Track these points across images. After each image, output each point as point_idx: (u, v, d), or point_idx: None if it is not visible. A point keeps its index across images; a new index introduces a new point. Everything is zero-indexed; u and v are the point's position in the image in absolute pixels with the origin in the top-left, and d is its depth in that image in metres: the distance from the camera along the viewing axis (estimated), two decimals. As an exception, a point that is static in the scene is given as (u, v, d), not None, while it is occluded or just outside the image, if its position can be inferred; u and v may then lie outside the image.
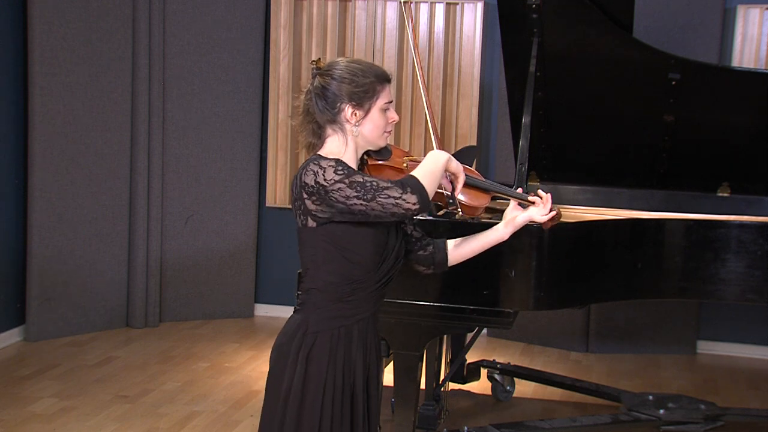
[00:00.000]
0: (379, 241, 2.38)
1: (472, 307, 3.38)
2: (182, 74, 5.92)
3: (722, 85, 4.09)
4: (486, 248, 2.65)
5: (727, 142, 4.20)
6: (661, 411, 4.14)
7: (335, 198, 2.27)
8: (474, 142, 5.81)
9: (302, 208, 2.34)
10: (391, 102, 2.45)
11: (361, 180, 2.28)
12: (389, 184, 2.28)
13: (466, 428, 3.96)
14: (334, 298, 2.39)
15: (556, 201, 4.48)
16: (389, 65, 5.89)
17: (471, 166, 4.41)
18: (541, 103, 4.17)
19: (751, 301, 3.73)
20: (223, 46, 5.97)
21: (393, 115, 2.46)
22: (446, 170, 2.44)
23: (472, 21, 5.82)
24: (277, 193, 6.20)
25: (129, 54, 5.75)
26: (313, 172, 2.29)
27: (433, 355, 4.25)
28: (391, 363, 3.58)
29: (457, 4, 5.84)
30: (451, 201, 2.51)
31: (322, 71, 2.42)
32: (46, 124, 5.43)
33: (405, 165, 2.54)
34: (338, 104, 2.38)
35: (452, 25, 5.87)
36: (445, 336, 4.31)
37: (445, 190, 2.49)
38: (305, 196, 2.31)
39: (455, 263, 2.64)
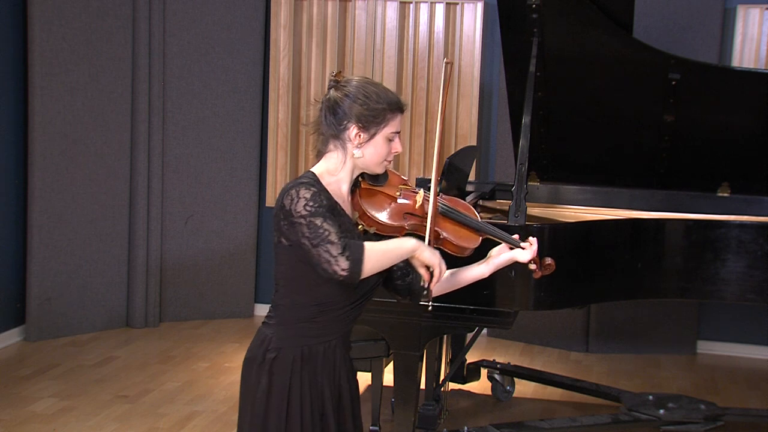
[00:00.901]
0: None
1: (472, 307, 3.38)
2: (182, 74, 5.92)
3: (722, 85, 4.10)
4: (470, 282, 2.55)
5: (727, 142, 4.20)
6: (661, 411, 4.14)
7: (294, 230, 2.26)
8: (474, 142, 5.81)
9: (278, 225, 2.32)
10: (398, 132, 2.42)
11: (319, 224, 2.23)
12: (336, 241, 2.21)
13: (466, 428, 3.96)
14: (300, 317, 2.36)
15: (556, 201, 4.52)
16: (389, 65, 5.89)
17: (471, 166, 4.42)
18: (541, 103, 4.17)
19: (751, 301, 3.74)
20: (223, 46, 5.97)
21: (397, 146, 2.43)
22: (419, 260, 2.34)
23: (472, 21, 5.82)
24: (277, 193, 6.19)
25: (129, 54, 5.75)
26: (291, 198, 2.27)
27: (433, 355, 4.25)
28: (391, 363, 3.59)
29: (457, 4, 5.84)
30: (425, 292, 2.39)
31: (338, 85, 2.39)
32: (46, 124, 5.43)
33: (398, 193, 2.46)
34: (345, 122, 2.36)
35: (452, 25, 5.87)
36: (445, 336, 4.31)
37: (424, 280, 2.37)
38: (282, 217, 2.30)
39: (436, 295, 2.52)
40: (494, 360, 4.87)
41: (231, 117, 6.06)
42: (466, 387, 4.86)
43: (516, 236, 2.56)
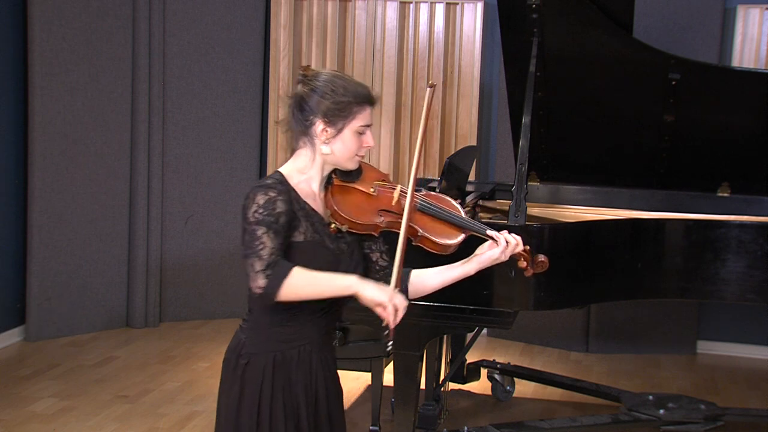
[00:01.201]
0: (321, 268, 2.25)
1: (472, 307, 3.38)
2: (182, 74, 5.92)
3: (722, 85, 4.09)
4: (454, 281, 2.46)
5: (727, 142, 4.20)
6: (661, 411, 4.14)
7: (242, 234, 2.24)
8: (474, 142, 5.80)
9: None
10: (368, 126, 2.32)
11: (258, 235, 2.18)
12: (264, 257, 2.16)
13: (466, 428, 3.96)
14: (272, 321, 2.31)
15: (556, 201, 4.52)
16: (389, 65, 5.89)
17: (471, 166, 4.42)
18: (541, 103, 4.17)
19: (750, 301, 3.74)
20: (223, 46, 5.97)
21: (368, 140, 2.33)
22: (363, 301, 2.23)
23: (472, 21, 5.82)
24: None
25: (129, 54, 5.75)
26: (248, 201, 2.23)
27: (433, 355, 4.25)
28: (391, 363, 3.58)
29: (457, 4, 5.84)
30: (386, 333, 2.25)
31: (305, 80, 2.33)
32: (46, 124, 5.43)
33: (372, 190, 2.37)
34: (311, 117, 2.29)
35: (452, 25, 5.87)
36: (445, 336, 4.31)
37: (385, 320, 2.23)
38: (242, 218, 2.27)
39: (419, 296, 2.47)
40: (494, 360, 4.87)
41: (231, 117, 6.06)
42: (466, 387, 4.86)
43: (504, 232, 2.46)
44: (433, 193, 2.53)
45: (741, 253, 3.63)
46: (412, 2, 5.88)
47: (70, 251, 5.62)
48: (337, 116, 2.28)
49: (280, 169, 2.33)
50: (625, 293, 3.71)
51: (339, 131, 2.30)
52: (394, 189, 2.39)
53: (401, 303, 2.23)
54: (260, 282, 2.17)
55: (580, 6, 3.88)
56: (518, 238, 2.45)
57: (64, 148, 5.52)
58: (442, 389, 4.27)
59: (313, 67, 2.39)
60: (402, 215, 2.31)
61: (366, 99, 2.32)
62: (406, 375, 3.50)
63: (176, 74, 5.91)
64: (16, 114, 5.47)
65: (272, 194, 2.22)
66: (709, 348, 5.84)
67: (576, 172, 4.48)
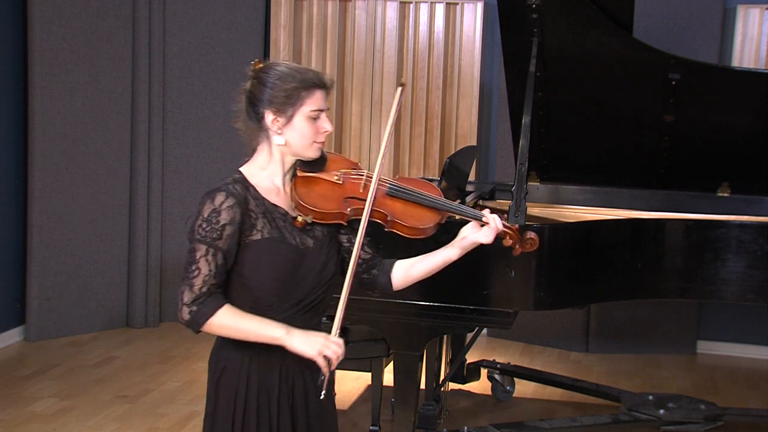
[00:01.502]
0: (282, 265, 2.21)
1: (472, 307, 3.38)
2: (182, 74, 5.92)
3: (722, 85, 4.09)
4: (437, 269, 2.37)
5: (727, 142, 4.20)
6: (661, 411, 4.14)
7: None
8: (474, 142, 5.80)
9: None
10: (321, 110, 2.24)
11: (195, 258, 2.16)
12: (194, 286, 2.15)
13: (466, 428, 3.96)
14: None
15: (556, 201, 4.52)
16: (389, 65, 5.89)
17: (471, 166, 4.42)
18: (541, 103, 4.17)
19: (751, 301, 3.74)
20: (223, 46, 5.97)
21: (324, 125, 2.25)
22: (292, 351, 2.18)
23: (472, 21, 5.82)
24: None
25: (129, 54, 5.75)
26: (200, 206, 2.19)
27: (433, 355, 4.25)
28: (391, 363, 3.58)
29: (457, 4, 5.84)
30: (319, 382, 2.18)
31: (254, 74, 2.27)
32: (46, 124, 5.43)
33: (336, 178, 2.31)
34: (261, 110, 2.23)
35: (452, 25, 5.87)
36: (445, 336, 4.31)
37: (323, 369, 2.17)
38: None
39: (404, 286, 2.40)
40: (494, 360, 4.87)
41: (231, 117, 6.04)
42: (466, 387, 4.86)
43: (486, 210, 2.37)
44: (410, 178, 2.44)
45: (741, 253, 3.63)
46: (412, 2, 5.88)
47: (70, 251, 5.62)
48: (285, 104, 2.22)
49: (241, 168, 2.29)
50: (625, 293, 3.71)
51: (290, 119, 2.23)
52: (361, 176, 2.32)
53: (335, 351, 2.15)
54: (184, 314, 2.18)
55: (580, 6, 3.88)
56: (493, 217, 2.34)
57: (64, 148, 5.52)
58: (442, 389, 4.27)
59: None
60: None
61: (314, 83, 2.24)
62: (406, 375, 3.50)
63: (176, 74, 5.91)
64: (16, 114, 5.47)
65: (218, 202, 2.17)
66: (709, 348, 5.84)
67: (576, 172, 4.48)
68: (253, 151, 2.31)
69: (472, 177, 5.15)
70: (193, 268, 2.16)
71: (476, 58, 5.82)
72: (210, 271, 2.17)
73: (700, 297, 3.79)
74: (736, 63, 5.51)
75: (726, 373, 5.46)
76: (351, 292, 2.22)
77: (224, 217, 2.17)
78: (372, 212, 2.28)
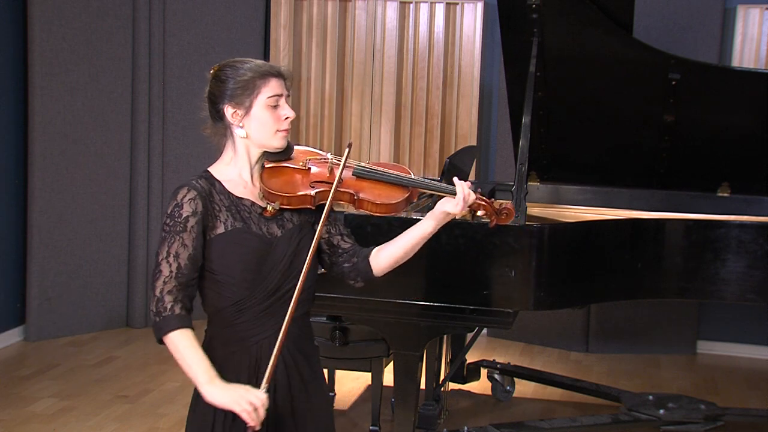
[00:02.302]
0: (248, 256, 2.22)
1: (472, 307, 3.38)
2: (182, 74, 5.92)
3: (722, 85, 4.09)
4: (416, 246, 2.35)
5: (727, 142, 4.20)
6: (661, 411, 4.14)
7: None
8: (474, 142, 5.81)
9: None
10: (280, 96, 2.26)
11: (161, 256, 2.18)
12: (155, 289, 2.16)
13: (466, 428, 3.96)
14: (224, 323, 2.26)
15: (556, 201, 4.52)
16: (389, 65, 5.89)
17: (471, 166, 4.42)
18: (541, 103, 4.17)
19: (751, 301, 3.73)
20: (223, 46, 5.97)
21: (284, 111, 2.27)
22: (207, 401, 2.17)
23: (472, 21, 5.82)
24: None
25: (129, 54, 5.75)
26: (168, 203, 2.24)
27: (433, 355, 4.25)
28: (391, 363, 3.58)
29: (457, 4, 5.84)
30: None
31: (211, 75, 2.30)
32: (46, 124, 5.43)
33: (302, 164, 2.34)
34: (220, 106, 2.26)
35: (452, 25, 5.87)
36: (445, 336, 4.31)
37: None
38: None
39: (386, 269, 2.38)
40: (494, 360, 4.87)
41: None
42: (466, 387, 4.86)
43: (455, 179, 2.35)
44: (382, 162, 2.47)
45: (741, 253, 3.63)
46: (412, 2, 5.88)
47: (70, 251, 5.62)
48: (241, 95, 2.24)
49: (208, 168, 2.33)
50: (625, 293, 3.70)
51: (248, 109, 2.25)
52: (327, 161, 2.36)
53: (256, 402, 2.11)
54: (152, 318, 2.19)
55: (580, 6, 3.88)
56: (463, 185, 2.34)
57: (64, 148, 5.52)
58: (442, 389, 4.27)
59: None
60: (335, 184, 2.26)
61: (267, 71, 2.26)
62: (406, 375, 3.50)
63: (176, 74, 5.91)
64: (16, 114, 5.47)
65: (180, 196, 2.21)
66: (709, 348, 5.84)
67: (576, 172, 4.48)
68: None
69: (472, 177, 5.16)
70: (156, 271, 2.19)
71: (476, 58, 5.82)
72: (171, 272, 2.18)
73: (700, 297, 3.79)
74: (736, 63, 5.51)
75: (726, 373, 5.46)
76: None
77: (186, 210, 2.20)
78: (339, 194, 2.30)
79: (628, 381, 5.15)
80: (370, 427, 4.03)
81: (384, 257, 2.36)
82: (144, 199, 5.88)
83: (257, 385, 2.18)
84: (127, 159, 5.83)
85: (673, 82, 4.05)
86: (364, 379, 4.83)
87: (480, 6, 5.79)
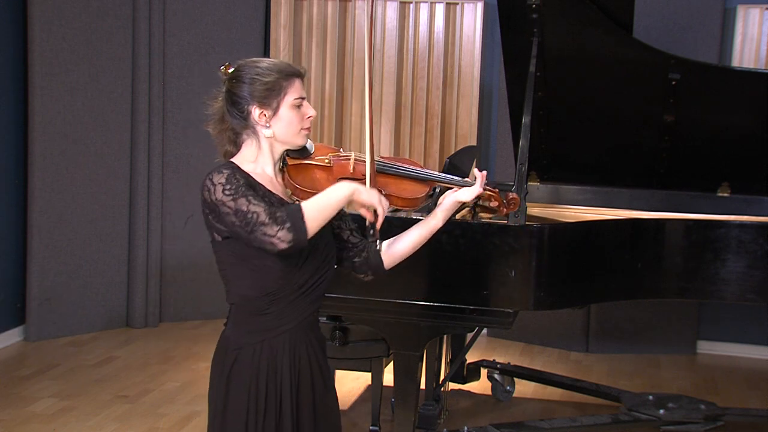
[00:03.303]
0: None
1: (472, 307, 3.38)
2: (182, 74, 5.92)
3: (722, 85, 4.09)
4: (426, 238, 2.48)
5: (727, 142, 4.20)
6: (661, 411, 4.14)
7: (224, 221, 2.23)
8: (474, 142, 5.81)
9: (207, 222, 2.29)
10: (303, 98, 2.34)
11: (245, 209, 2.18)
12: (267, 220, 2.16)
13: (466, 428, 3.96)
14: (252, 311, 2.31)
15: (556, 201, 4.52)
16: (389, 65, 5.89)
17: (471, 166, 4.42)
18: (541, 103, 4.17)
19: (750, 301, 3.73)
20: (223, 46, 5.97)
21: (308, 110, 2.34)
22: (358, 202, 2.29)
23: (472, 21, 5.82)
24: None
25: (129, 54, 5.75)
26: (207, 189, 2.24)
27: (433, 355, 4.25)
28: (391, 363, 3.58)
29: (457, 4, 5.84)
30: (371, 233, 2.35)
31: (229, 76, 2.35)
32: (46, 124, 5.43)
33: (327, 161, 2.43)
34: (246, 107, 2.31)
35: (452, 25, 5.87)
36: (445, 336, 4.31)
37: (369, 221, 2.32)
38: (207, 211, 2.26)
39: (395, 262, 2.48)
40: (494, 360, 4.87)
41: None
42: (466, 387, 4.86)
43: (476, 170, 2.52)
44: (390, 156, 2.57)
45: (741, 253, 3.63)
46: (412, 2, 5.88)
47: (70, 251, 5.62)
48: (269, 96, 2.29)
49: (231, 160, 2.36)
50: (625, 293, 3.70)
51: (276, 110, 2.31)
52: (349, 157, 2.45)
53: (385, 204, 2.30)
54: (285, 236, 2.16)
55: (580, 6, 3.88)
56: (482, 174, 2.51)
57: (64, 148, 5.52)
58: (442, 389, 4.27)
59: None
60: (362, 181, 2.35)
61: (290, 72, 2.32)
62: (406, 375, 3.50)
63: (176, 74, 5.91)
64: (16, 114, 5.47)
65: (227, 171, 2.26)
66: (709, 348, 5.84)
67: (576, 172, 4.48)
68: (226, 152, 2.40)
69: (471, 177, 5.14)
70: (251, 215, 2.18)
71: (476, 58, 5.83)
72: (263, 205, 2.20)
73: (700, 297, 3.79)
74: (736, 63, 5.51)
75: (726, 373, 5.46)
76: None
77: (242, 180, 2.26)
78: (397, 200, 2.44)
79: (628, 381, 5.15)
80: (370, 427, 4.03)
81: (394, 253, 2.46)
82: (144, 199, 5.88)
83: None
84: (127, 159, 5.83)
85: (673, 82, 4.05)
86: (364, 379, 4.83)
87: (480, 6, 5.79)
